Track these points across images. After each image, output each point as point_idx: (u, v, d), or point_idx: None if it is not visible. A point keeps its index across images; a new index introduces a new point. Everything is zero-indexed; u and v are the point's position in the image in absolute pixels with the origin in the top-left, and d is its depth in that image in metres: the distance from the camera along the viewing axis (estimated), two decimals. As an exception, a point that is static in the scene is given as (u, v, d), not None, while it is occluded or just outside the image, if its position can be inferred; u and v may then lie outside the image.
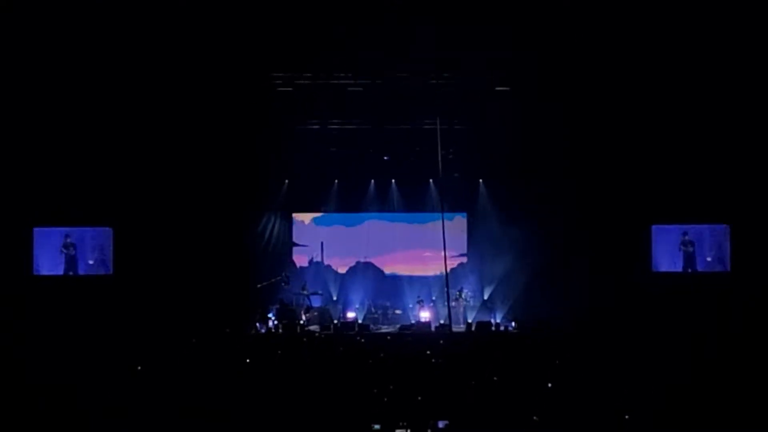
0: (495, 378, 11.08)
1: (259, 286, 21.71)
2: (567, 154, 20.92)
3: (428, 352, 13.98)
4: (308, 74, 20.26)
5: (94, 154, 19.75)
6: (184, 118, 20.18)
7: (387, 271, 23.89)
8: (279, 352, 14.23)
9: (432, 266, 23.26)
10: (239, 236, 22.10)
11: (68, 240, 20.83)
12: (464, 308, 22.31)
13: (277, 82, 20.36)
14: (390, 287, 23.63)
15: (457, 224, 23.46)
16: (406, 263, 23.86)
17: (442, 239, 18.61)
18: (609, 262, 20.95)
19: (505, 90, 20.46)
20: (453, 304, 21.47)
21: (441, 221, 18.59)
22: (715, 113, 19.75)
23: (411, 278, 23.71)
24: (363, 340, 18.12)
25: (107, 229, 21.24)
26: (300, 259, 23.99)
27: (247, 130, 20.95)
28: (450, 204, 21.92)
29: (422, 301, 22.49)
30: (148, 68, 18.84)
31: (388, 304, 23.04)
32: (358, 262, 23.93)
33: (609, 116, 20.43)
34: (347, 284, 23.65)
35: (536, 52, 18.55)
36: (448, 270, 18.13)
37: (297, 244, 23.89)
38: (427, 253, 23.37)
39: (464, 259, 23.80)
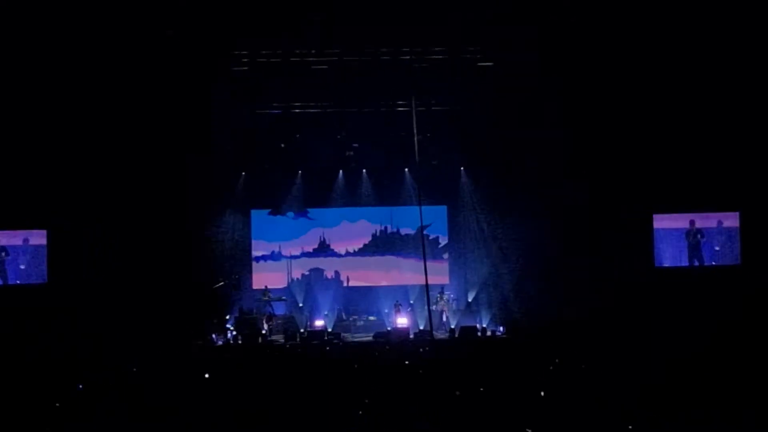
0: (482, 389, 11.30)
1: (214, 287, 21.59)
2: (562, 137, 20.75)
3: (407, 362, 14.15)
4: (266, 51, 20.08)
5: (23, 144, 19.83)
6: (127, 102, 19.89)
7: (356, 282, 23.74)
8: (238, 366, 14.42)
9: (408, 275, 23.24)
10: (190, 236, 21.82)
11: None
12: (446, 312, 21.93)
13: (233, 60, 20.17)
14: (362, 291, 23.55)
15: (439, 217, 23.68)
16: (379, 270, 23.86)
17: (420, 242, 18.59)
18: (609, 257, 20.97)
19: (489, 65, 20.35)
20: (433, 308, 21.32)
21: (419, 216, 18.35)
22: (723, 96, 19.90)
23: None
24: (333, 351, 18.20)
25: (41, 231, 20.87)
26: (262, 270, 23.59)
27: (198, 116, 20.55)
28: (428, 195, 21.87)
29: (400, 305, 22.02)
30: (84, 47, 18.63)
31: (360, 309, 22.93)
32: (320, 269, 23.81)
33: (610, 95, 20.36)
34: (314, 289, 23.47)
35: (531, 20, 18.31)
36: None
37: (257, 243, 23.62)
38: (403, 260, 23.51)
39: (445, 260, 23.75)
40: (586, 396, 10.65)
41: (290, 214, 23.93)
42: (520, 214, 21.95)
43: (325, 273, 23.99)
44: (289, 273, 23.83)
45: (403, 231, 23.91)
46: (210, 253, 22.65)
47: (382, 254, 23.96)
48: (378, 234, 24.06)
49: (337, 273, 23.98)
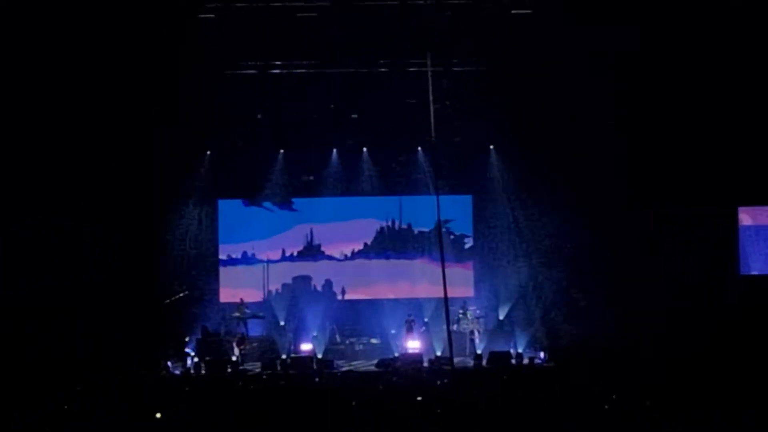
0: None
1: (169, 300, 21.76)
2: (618, 108, 20.94)
3: (420, 399, 14.06)
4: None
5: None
6: (65, 57, 19.89)
7: (354, 295, 23.87)
8: (199, 402, 14.51)
9: (421, 285, 23.19)
10: (143, 233, 21.98)
11: None
12: (472, 333, 22.10)
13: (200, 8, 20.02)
14: (362, 307, 23.61)
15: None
16: (384, 278, 23.95)
17: (438, 238, 18.27)
18: (681, 264, 21.18)
19: (526, 13, 20.18)
20: (454, 327, 21.13)
21: (435, 208, 17.90)
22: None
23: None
24: (325, 383, 17.95)
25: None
26: (232, 278, 23.66)
27: (154, 79, 20.52)
28: (449, 182, 21.90)
29: (412, 322, 22.25)
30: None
31: (359, 330, 23.02)
32: (307, 277, 23.96)
33: (680, 55, 20.33)
34: (300, 303, 23.47)
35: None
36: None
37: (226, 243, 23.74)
38: (416, 266, 23.63)
39: (469, 265, 23.82)
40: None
41: (268, 204, 23.92)
42: (567, 208, 21.99)
43: (313, 283, 23.87)
44: (266, 282, 23.74)
45: (416, 228, 23.92)
46: (166, 255, 22.70)
47: (389, 258, 23.96)
48: (383, 232, 24.00)
49: (329, 282, 23.82)
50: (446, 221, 23.07)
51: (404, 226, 24.08)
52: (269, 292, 23.82)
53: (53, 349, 19.14)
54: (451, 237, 23.72)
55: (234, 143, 23.09)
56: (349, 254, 24.08)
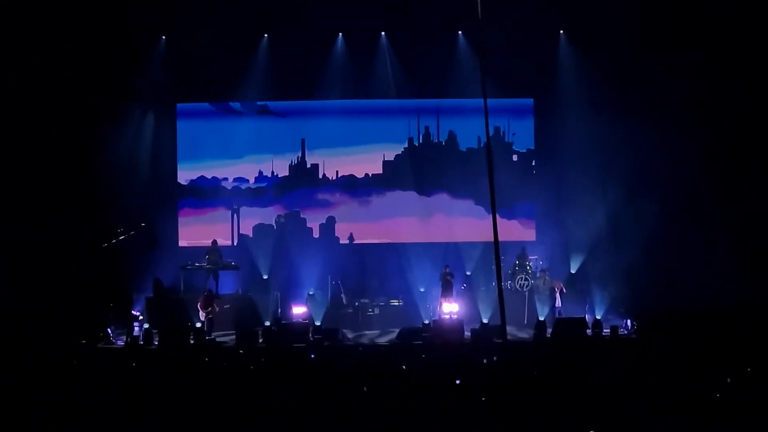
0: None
1: (109, 242, 21.73)
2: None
3: (458, 382, 14.33)
4: None
5: None
6: None
7: (367, 238, 24.21)
8: (149, 385, 14.70)
9: (462, 224, 23.35)
10: (72, 150, 22.17)
11: None
12: (532, 292, 22.16)
13: None
14: (378, 255, 23.79)
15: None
16: (410, 214, 24.03)
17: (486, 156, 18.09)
18: None
19: None
20: (508, 284, 21.06)
21: (483, 117, 18.27)
22: None
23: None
24: (325, 360, 17.91)
25: None
26: (194, 214, 24.01)
27: None
28: (501, 81, 21.63)
29: (450, 275, 22.06)
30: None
31: (373, 287, 23.11)
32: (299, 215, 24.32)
33: None
34: (290, 249, 23.65)
35: None
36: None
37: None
38: (455, 199, 23.67)
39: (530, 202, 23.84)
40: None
41: (245, 110, 24.24)
42: (664, 118, 21.99)
43: (308, 220, 24.07)
44: (238, 219, 24.10)
45: (455, 145, 23.92)
46: (103, 179, 22.73)
47: (418, 187, 24.04)
48: (408, 150, 24.04)
49: (330, 220, 23.99)
50: (497, 135, 23.19)
51: (438, 141, 24.10)
52: (246, 233, 23.88)
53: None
54: (504, 157, 23.47)
55: (198, 25, 22.78)
56: (359, 179, 24.16)
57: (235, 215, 23.93)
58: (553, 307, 21.90)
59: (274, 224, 24.03)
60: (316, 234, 24.08)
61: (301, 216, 24.02)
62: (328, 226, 24.02)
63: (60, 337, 19.55)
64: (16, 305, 20.03)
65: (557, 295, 21.97)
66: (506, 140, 23.74)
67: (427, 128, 23.96)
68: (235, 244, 23.75)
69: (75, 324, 20.46)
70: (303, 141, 24.02)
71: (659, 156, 22.45)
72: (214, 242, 22.71)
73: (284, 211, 24.08)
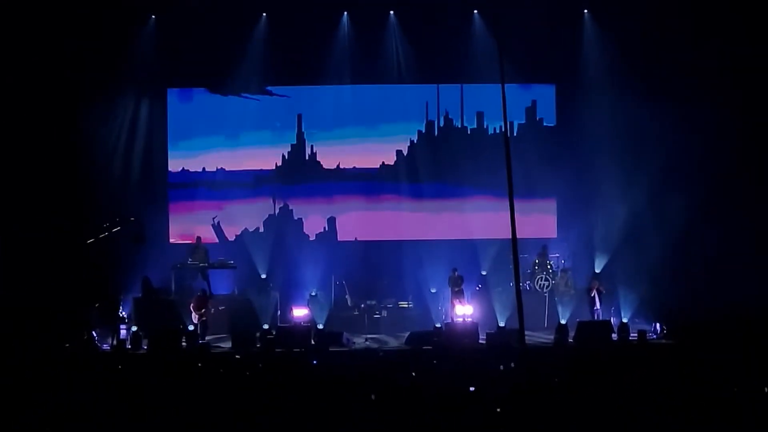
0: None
1: (94, 238, 21.13)
2: None
3: (472, 389, 13.81)
4: None
5: None
6: None
7: (372, 235, 24.13)
8: (137, 393, 14.05)
9: (477, 220, 23.20)
10: (58, 138, 22.25)
11: None
12: (552, 293, 22.26)
13: None
14: (385, 252, 23.80)
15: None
16: (420, 209, 24.00)
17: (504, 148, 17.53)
18: None
19: None
20: (527, 284, 21.38)
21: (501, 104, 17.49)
22: None
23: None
24: (328, 367, 17.14)
25: None
26: (184, 207, 24.06)
27: None
28: (521, 65, 21.57)
29: (459, 276, 22.02)
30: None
31: (381, 288, 23.14)
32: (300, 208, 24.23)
33: None
34: (290, 247, 23.66)
35: None
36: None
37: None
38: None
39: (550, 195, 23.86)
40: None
41: (241, 95, 24.15)
42: (696, 104, 21.91)
43: (310, 215, 24.10)
44: (234, 214, 24.02)
45: (470, 132, 23.85)
46: (90, 170, 22.89)
47: (429, 181, 24.01)
48: (419, 139, 24.01)
49: (335, 215, 24.07)
50: (515, 122, 23.30)
51: (450, 129, 24.01)
52: (243, 229, 23.94)
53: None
54: (523, 146, 23.08)
55: (192, 5, 22.80)
56: (366, 171, 24.18)
57: (230, 209, 24.17)
58: (593, 310, 21.70)
59: (273, 219, 24.22)
60: (318, 230, 24.10)
61: (302, 210, 24.15)
62: (332, 221, 24.09)
63: (37, 340, 19.28)
64: None
65: (595, 296, 21.75)
66: (520, 129, 24.16)
67: (447, 113, 24.26)
68: (233, 239, 23.95)
69: (57, 326, 20.35)
70: (300, 121, 24.44)
71: (691, 146, 22.27)
72: (198, 239, 22.90)
73: (284, 204, 24.14)
